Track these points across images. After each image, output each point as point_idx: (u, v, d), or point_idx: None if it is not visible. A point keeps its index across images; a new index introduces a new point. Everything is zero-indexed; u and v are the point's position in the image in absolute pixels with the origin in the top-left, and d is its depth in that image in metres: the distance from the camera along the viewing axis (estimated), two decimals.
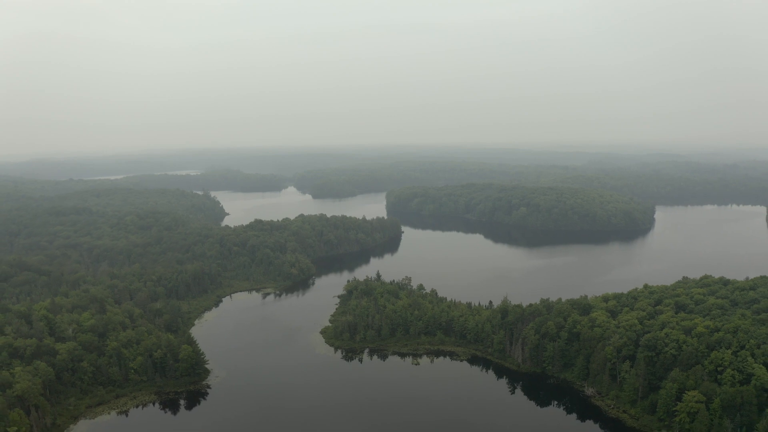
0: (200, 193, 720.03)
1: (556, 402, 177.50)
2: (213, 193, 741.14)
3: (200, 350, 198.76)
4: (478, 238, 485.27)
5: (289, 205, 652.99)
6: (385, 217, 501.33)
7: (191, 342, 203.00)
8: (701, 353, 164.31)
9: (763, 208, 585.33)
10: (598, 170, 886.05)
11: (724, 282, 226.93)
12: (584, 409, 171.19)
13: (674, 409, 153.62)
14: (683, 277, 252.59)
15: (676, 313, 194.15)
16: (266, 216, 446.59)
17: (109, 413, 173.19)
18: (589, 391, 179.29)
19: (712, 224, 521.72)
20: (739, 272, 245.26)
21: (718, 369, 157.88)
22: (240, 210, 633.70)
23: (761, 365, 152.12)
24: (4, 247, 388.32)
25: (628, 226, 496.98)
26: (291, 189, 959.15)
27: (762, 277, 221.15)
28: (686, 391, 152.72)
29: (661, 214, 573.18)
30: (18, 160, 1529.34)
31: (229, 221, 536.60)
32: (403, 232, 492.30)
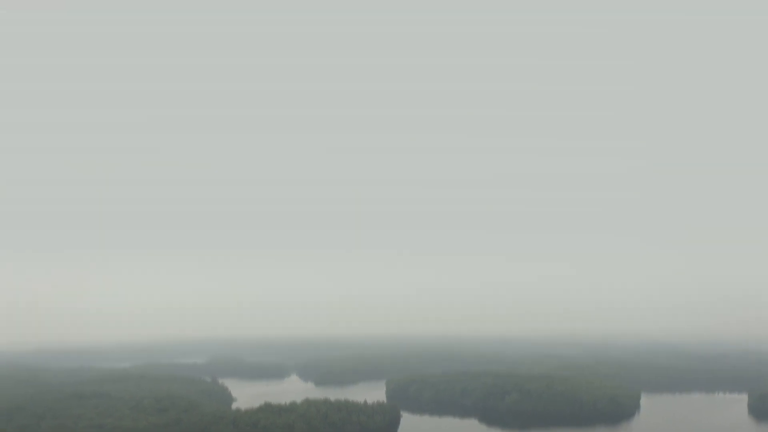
0: (208, 379, 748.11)
1: None
2: (220, 380, 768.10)
3: None
4: (472, 422, 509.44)
5: (293, 392, 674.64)
6: (385, 402, 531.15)
7: None
8: None
9: (746, 396, 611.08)
10: (591, 359, 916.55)
11: None
12: None
13: None
14: None
15: None
16: (272, 401, 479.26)
17: None
18: None
19: (695, 412, 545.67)
20: None
21: None
22: (247, 395, 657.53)
23: None
24: (31, 428, 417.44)
25: (614, 410, 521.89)
26: (294, 377, 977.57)
27: None
28: None
29: (646, 400, 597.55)
30: (23, 349, 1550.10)
31: (237, 405, 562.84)
32: (401, 416, 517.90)
